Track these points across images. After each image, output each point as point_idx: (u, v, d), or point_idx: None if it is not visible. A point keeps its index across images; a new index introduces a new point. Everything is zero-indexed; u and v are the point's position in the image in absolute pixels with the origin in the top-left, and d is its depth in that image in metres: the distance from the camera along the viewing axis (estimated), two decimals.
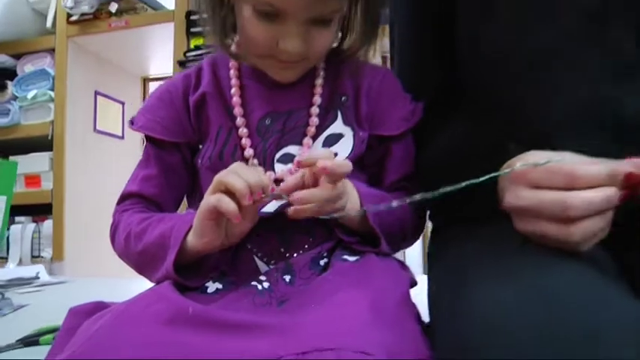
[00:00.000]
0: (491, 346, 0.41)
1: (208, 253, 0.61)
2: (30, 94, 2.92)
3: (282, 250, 0.63)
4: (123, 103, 3.46)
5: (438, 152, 0.67)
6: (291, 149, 0.67)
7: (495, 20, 0.63)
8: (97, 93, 3.19)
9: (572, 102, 0.58)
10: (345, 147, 0.66)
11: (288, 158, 0.66)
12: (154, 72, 3.77)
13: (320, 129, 0.66)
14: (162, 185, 0.71)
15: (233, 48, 0.70)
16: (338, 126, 0.67)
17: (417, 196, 0.54)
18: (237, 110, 0.67)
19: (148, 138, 0.74)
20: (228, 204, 0.53)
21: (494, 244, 0.53)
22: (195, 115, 0.70)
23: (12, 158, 2.95)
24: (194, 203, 0.74)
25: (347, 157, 0.64)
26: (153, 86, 3.86)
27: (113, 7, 2.91)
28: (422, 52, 0.74)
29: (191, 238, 0.59)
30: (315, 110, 0.67)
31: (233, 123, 0.67)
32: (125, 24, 2.91)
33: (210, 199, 0.55)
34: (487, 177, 0.50)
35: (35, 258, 2.76)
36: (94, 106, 3.16)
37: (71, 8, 2.91)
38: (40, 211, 2.83)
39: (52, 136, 2.88)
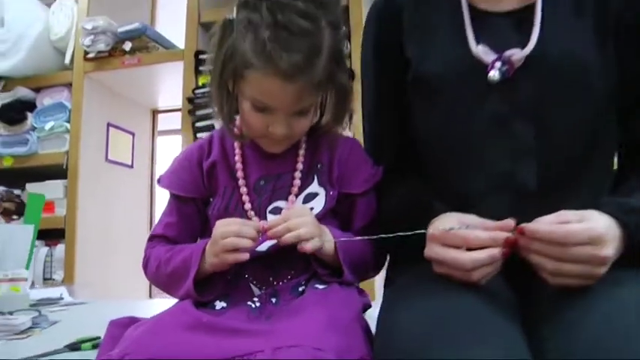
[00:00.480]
0: (389, 353, 0.63)
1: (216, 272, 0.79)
2: (47, 126, 3.11)
3: (271, 279, 0.84)
4: (133, 134, 3.65)
5: (390, 206, 0.86)
6: (280, 204, 0.87)
7: (433, 113, 0.84)
8: (109, 125, 3.39)
9: (488, 176, 0.78)
10: (319, 203, 0.86)
11: (277, 210, 0.87)
12: (162, 104, 3.98)
13: (301, 189, 0.86)
14: (180, 229, 0.89)
15: (236, 130, 0.87)
16: (314, 187, 0.87)
17: (360, 238, 0.74)
18: (239, 174, 0.86)
19: (171, 193, 0.91)
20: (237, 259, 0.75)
21: (417, 279, 0.72)
22: (207, 177, 0.89)
23: (28, 185, 3.14)
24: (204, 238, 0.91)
25: (321, 210, 0.83)
26: (162, 118, 4.07)
27: (127, 46, 3.13)
28: (383, 130, 0.94)
29: (204, 266, 0.77)
30: (297, 174, 0.86)
31: (236, 183, 0.85)
32: (138, 61, 3.12)
33: (224, 257, 0.73)
34: (411, 233, 0.70)
35: (47, 280, 2.91)
36: (107, 137, 3.35)
37: (88, 46, 3.12)
38: (53, 235, 2.99)
39: (66, 165, 3.06)
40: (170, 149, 4.25)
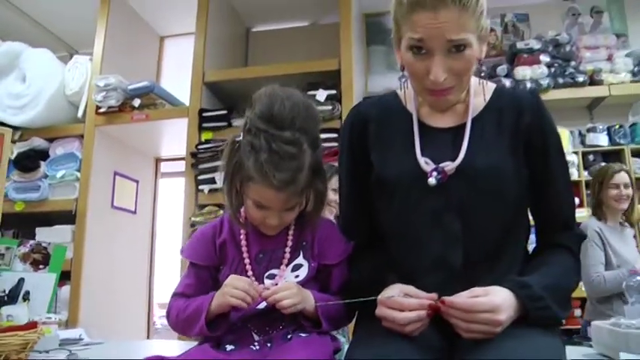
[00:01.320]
0: None
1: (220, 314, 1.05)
2: (59, 174, 3.35)
3: (267, 329, 1.08)
4: (137, 182, 3.89)
5: (357, 276, 1.12)
6: (274, 271, 1.11)
7: (389, 207, 1.10)
8: (115, 173, 3.63)
9: (426, 257, 1.02)
10: (303, 272, 1.11)
11: (272, 276, 1.10)
12: (165, 153, 4.24)
13: (290, 260, 1.10)
14: (197, 289, 1.12)
15: (241, 218, 1.12)
16: (300, 259, 1.12)
17: (332, 303, 0.99)
18: (244, 249, 1.10)
19: (190, 262, 1.15)
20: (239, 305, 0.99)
21: (371, 331, 0.96)
22: (220, 251, 1.13)
23: (38, 229, 3.36)
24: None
25: (304, 277, 1.08)
26: (164, 165, 4.33)
27: (136, 102, 3.40)
28: (354, 215, 1.19)
29: (212, 307, 1.02)
30: (287, 250, 1.11)
31: (241, 256, 1.09)
32: (146, 117, 3.39)
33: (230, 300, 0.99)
34: (370, 298, 0.95)
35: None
36: (113, 185, 3.59)
37: (100, 102, 3.38)
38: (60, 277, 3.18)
39: (75, 211, 3.28)
40: (171, 193, 4.49)
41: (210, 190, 3.11)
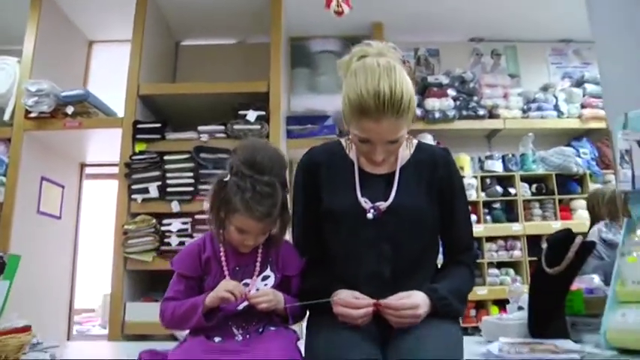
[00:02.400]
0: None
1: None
2: None
3: (244, 325, 1.33)
4: (63, 187, 3.91)
5: (308, 285, 1.40)
6: (248, 281, 1.35)
7: (334, 233, 1.38)
8: (42, 178, 3.64)
9: (364, 271, 1.32)
10: (271, 281, 1.37)
11: (246, 285, 1.34)
12: (90, 159, 4.27)
13: (260, 272, 1.35)
14: (185, 294, 1.34)
15: (222, 238, 1.35)
16: (268, 271, 1.38)
17: (298, 304, 1.28)
18: (224, 264, 1.34)
19: (179, 273, 1.37)
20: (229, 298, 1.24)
21: (324, 323, 1.26)
22: (204, 265, 1.35)
23: None
24: None
25: (272, 285, 1.36)
26: (89, 169, 4.35)
27: (69, 110, 3.43)
28: (305, 238, 1.46)
29: (206, 302, 1.27)
30: (258, 264, 1.36)
31: (221, 269, 1.33)
32: (79, 125, 3.44)
33: (223, 294, 1.25)
34: (326, 300, 1.24)
35: None
36: (39, 190, 3.59)
37: (31, 106, 3.38)
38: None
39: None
40: (95, 196, 4.51)
41: (144, 200, 3.23)
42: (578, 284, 1.80)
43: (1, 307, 1.86)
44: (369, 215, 1.32)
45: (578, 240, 1.50)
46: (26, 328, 1.34)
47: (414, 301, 1.23)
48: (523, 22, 4.34)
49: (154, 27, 3.85)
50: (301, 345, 1.30)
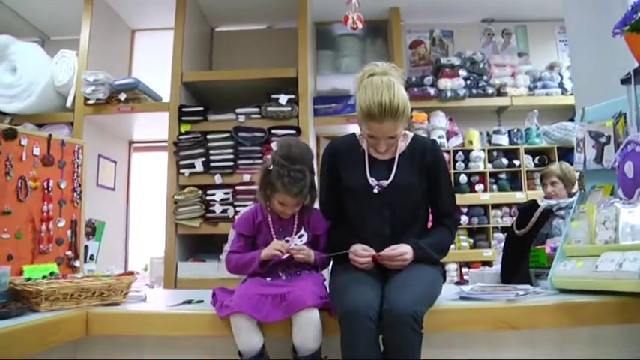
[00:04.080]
0: (333, 291, 1.70)
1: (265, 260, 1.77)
2: None
3: (287, 269, 1.80)
4: (115, 162, 4.44)
5: (333, 240, 1.86)
6: (288, 238, 1.81)
7: (349, 203, 1.85)
8: (99, 156, 4.17)
9: (370, 230, 1.78)
10: (304, 238, 1.82)
11: (287, 241, 1.79)
12: (137, 137, 4.79)
13: (297, 232, 1.84)
14: (244, 248, 1.83)
15: (268, 209, 1.82)
16: (302, 231, 1.85)
17: (325, 255, 1.78)
18: (271, 226, 1.82)
19: (239, 232, 1.87)
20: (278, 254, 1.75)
21: (344, 268, 1.75)
22: (257, 228, 1.84)
23: None
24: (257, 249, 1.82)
25: (305, 241, 1.83)
26: (136, 146, 4.87)
27: (122, 96, 3.93)
28: (329, 207, 1.91)
29: (262, 255, 1.75)
30: (295, 226, 1.84)
31: (269, 230, 1.82)
32: (131, 109, 3.93)
33: (273, 251, 1.74)
34: (345, 252, 1.73)
35: None
36: (97, 166, 4.13)
37: (89, 94, 3.89)
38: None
39: None
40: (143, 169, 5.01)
41: (191, 174, 3.75)
42: (550, 244, 2.24)
43: (96, 260, 2.41)
44: (375, 190, 1.79)
45: (541, 209, 1.94)
46: (131, 272, 1.85)
47: (402, 249, 1.70)
48: (533, 2, 4.61)
49: (191, 15, 4.25)
50: (326, 284, 1.78)
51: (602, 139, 1.86)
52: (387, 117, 1.66)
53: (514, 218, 2.03)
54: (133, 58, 4.91)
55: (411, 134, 1.91)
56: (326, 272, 1.90)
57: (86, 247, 2.28)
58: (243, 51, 4.74)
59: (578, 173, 2.01)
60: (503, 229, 4.28)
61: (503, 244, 2.45)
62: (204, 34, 4.72)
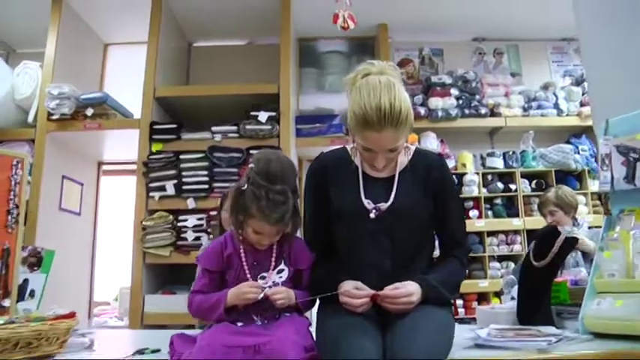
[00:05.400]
0: (321, 340, 1.36)
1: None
2: None
3: (262, 312, 1.47)
4: (82, 184, 4.10)
5: (318, 276, 1.55)
6: (264, 274, 1.50)
7: (341, 229, 1.55)
8: (63, 177, 3.82)
9: (366, 263, 1.48)
10: (285, 274, 1.52)
11: (263, 277, 1.49)
12: (107, 157, 4.46)
13: (275, 266, 1.51)
14: (210, 287, 1.50)
15: (240, 238, 1.51)
16: (282, 265, 1.53)
17: (309, 299, 1.42)
18: (243, 259, 1.50)
19: (205, 268, 1.54)
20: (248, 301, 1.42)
21: (331, 310, 1.43)
22: (226, 261, 1.51)
23: None
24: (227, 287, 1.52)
25: (286, 278, 1.51)
26: (106, 167, 4.53)
27: (89, 112, 3.61)
28: (315, 235, 1.61)
29: (228, 300, 1.43)
30: (273, 259, 1.52)
31: (242, 264, 1.49)
32: (98, 126, 3.62)
33: (248, 295, 1.42)
34: (333, 293, 1.39)
35: None
36: (61, 188, 3.78)
37: (53, 109, 3.56)
38: None
39: (26, 213, 3.45)
40: (113, 192, 4.68)
41: (161, 197, 3.41)
42: (567, 276, 1.96)
43: (40, 297, 2.06)
44: (372, 215, 1.48)
45: (563, 236, 1.66)
46: (72, 314, 1.51)
47: (408, 289, 1.39)
48: (525, 22, 4.47)
49: (167, 29, 4.00)
50: (312, 330, 1.46)
51: (634, 155, 1.60)
52: (387, 125, 1.37)
53: (530, 247, 1.75)
54: (105, 73, 4.63)
55: (412, 147, 1.62)
56: (315, 309, 1.59)
57: (25, 281, 1.93)
58: (223, 67, 4.49)
59: (603, 195, 1.74)
60: (500, 258, 4.03)
61: (510, 276, 2.17)
62: (181, 49, 4.45)
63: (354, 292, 1.41)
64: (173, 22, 4.19)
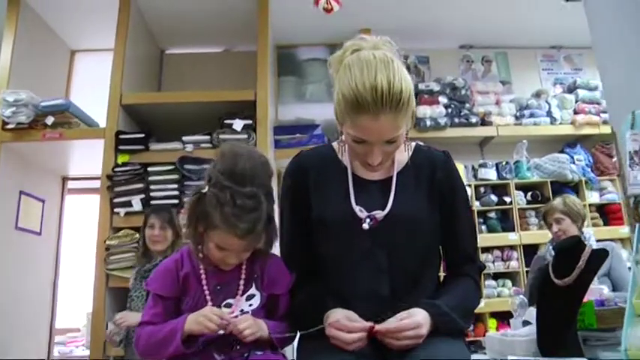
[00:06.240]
0: None
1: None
2: None
3: (226, 349, 1.20)
4: (43, 201, 3.76)
5: (299, 302, 1.28)
6: (230, 301, 1.23)
7: (326, 242, 1.27)
8: (21, 192, 3.49)
9: (357, 287, 1.21)
10: (256, 301, 1.24)
11: (228, 305, 1.22)
12: (73, 172, 4.13)
13: (244, 291, 1.22)
14: (162, 317, 1.21)
15: (200, 255, 1.23)
16: (253, 290, 1.25)
17: (286, 335, 1.15)
18: (204, 282, 1.21)
19: (155, 294, 1.25)
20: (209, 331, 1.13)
21: (317, 347, 1.14)
22: (182, 283, 1.23)
23: None
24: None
25: (257, 305, 1.23)
26: (71, 184, 4.20)
27: (49, 120, 3.29)
28: (294, 249, 1.34)
29: (185, 329, 1.15)
30: (242, 282, 1.23)
31: (201, 288, 1.21)
32: (59, 136, 3.30)
33: (210, 325, 1.14)
34: (317, 328, 1.11)
35: None
36: (18, 205, 3.44)
37: (9, 117, 3.24)
38: None
39: None
40: (79, 211, 4.37)
41: (127, 214, 3.10)
42: (589, 296, 1.70)
43: None
44: (365, 225, 1.21)
45: (589, 248, 1.40)
46: None
47: (416, 320, 1.12)
48: (513, 29, 4.32)
49: (137, 35, 3.73)
50: None
51: None
52: (385, 108, 1.10)
53: (549, 262, 1.48)
54: (71, 81, 4.33)
55: (412, 143, 1.36)
56: (294, 345, 1.31)
57: None
58: (197, 76, 4.24)
59: (633, 198, 1.49)
60: (496, 276, 3.77)
61: (520, 296, 1.90)
62: (151, 56, 4.18)
63: (345, 323, 1.13)
64: (144, 29, 3.94)
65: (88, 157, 3.66)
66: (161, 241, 2.61)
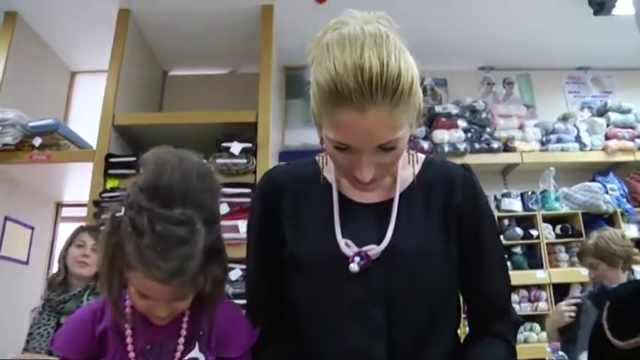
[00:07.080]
0: None
1: None
2: None
3: None
4: (33, 228, 3.52)
5: None
6: None
7: (302, 288, 0.97)
8: (6, 218, 3.26)
9: (343, 350, 0.90)
10: None
11: None
12: (68, 198, 3.90)
13: (184, 353, 0.93)
14: None
15: (126, 307, 0.94)
16: (195, 352, 0.95)
17: None
18: (129, 340, 0.91)
19: (62, 357, 0.95)
20: None
21: None
22: (99, 342, 0.94)
23: None
24: None
25: None
26: (65, 211, 3.97)
27: (37, 142, 3.09)
28: (261, 293, 1.04)
29: None
30: (181, 341, 0.92)
31: (125, 349, 0.91)
32: (46, 158, 3.08)
33: None
34: None
35: None
36: (2, 231, 3.21)
37: None
38: None
39: None
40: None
41: None
42: None
43: None
44: (353, 267, 0.89)
45: None
46: None
47: None
48: (536, 49, 4.03)
49: (137, 56, 3.56)
50: None
51: None
52: (375, 97, 0.79)
53: (603, 316, 1.15)
54: (71, 103, 4.17)
55: (422, 156, 1.07)
56: None
57: None
58: (200, 98, 4.06)
59: None
60: (523, 319, 3.39)
61: (560, 352, 1.57)
62: (153, 77, 4.00)
63: None
64: (145, 49, 3.77)
65: (82, 182, 3.44)
66: (89, 266, 2.19)
